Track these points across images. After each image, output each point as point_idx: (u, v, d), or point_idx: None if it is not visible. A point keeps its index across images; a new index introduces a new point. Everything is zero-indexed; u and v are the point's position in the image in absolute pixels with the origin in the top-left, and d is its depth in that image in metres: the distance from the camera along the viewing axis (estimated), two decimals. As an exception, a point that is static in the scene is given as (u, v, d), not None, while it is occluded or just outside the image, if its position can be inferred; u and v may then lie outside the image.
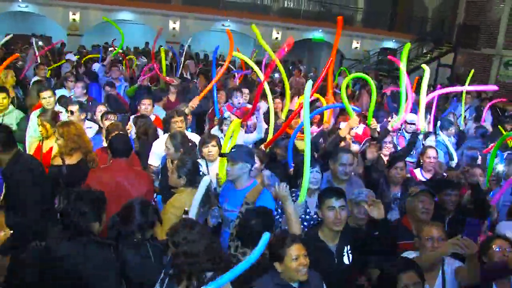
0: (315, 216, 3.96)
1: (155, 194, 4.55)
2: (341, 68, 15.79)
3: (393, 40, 23.11)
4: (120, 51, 15.34)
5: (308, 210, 4.03)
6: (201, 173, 4.06)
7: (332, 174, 4.49)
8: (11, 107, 5.94)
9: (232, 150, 3.99)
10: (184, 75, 11.75)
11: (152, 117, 6.33)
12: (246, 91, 7.47)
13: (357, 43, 23.41)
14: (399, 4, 25.21)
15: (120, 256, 3.06)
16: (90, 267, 2.85)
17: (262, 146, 5.50)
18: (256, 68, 6.57)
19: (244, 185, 3.86)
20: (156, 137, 5.68)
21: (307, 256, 2.90)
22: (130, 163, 4.35)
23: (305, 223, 4.00)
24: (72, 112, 5.45)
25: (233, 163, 3.80)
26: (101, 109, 6.02)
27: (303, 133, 5.85)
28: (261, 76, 6.36)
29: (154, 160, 5.16)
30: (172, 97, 7.94)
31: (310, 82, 3.86)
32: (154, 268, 3.06)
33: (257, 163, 4.41)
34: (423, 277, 2.89)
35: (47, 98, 5.73)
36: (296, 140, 5.21)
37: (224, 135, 5.40)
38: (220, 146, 4.88)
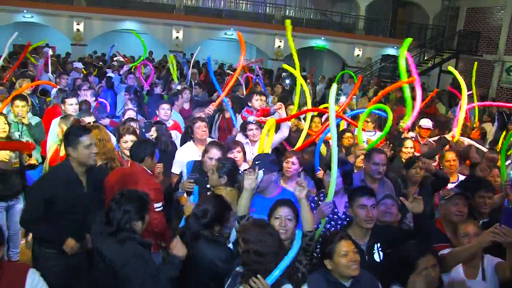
0: (343, 216, 4.05)
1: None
2: (344, 71, 15.90)
3: (395, 47, 23.26)
4: (125, 59, 15.60)
5: (336, 209, 4.07)
6: (240, 172, 4.13)
7: (365, 173, 4.60)
8: (29, 114, 6.05)
9: (256, 161, 4.03)
10: (193, 84, 11.82)
11: (171, 122, 6.46)
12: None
13: (359, 50, 23.53)
14: (400, 11, 25.43)
15: (200, 252, 3.17)
16: (123, 264, 2.95)
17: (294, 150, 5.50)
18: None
19: (273, 194, 3.96)
20: (172, 144, 5.78)
21: (357, 252, 2.95)
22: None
23: (332, 223, 4.06)
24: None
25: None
26: (130, 113, 6.14)
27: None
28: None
29: (177, 168, 5.17)
30: (186, 105, 8.09)
31: (334, 86, 3.91)
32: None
33: (296, 165, 4.60)
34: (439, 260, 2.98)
35: (73, 105, 5.88)
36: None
37: (249, 140, 5.60)
38: (244, 152, 4.95)
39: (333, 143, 3.71)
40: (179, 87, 9.20)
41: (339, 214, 4.08)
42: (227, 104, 6.88)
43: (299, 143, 5.78)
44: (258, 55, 24.68)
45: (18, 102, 5.73)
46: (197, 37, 21.91)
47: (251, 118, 5.92)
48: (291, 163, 4.63)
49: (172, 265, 3.10)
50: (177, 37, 21.53)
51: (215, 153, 4.47)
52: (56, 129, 5.52)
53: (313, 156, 5.22)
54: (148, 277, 2.98)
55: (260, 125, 5.71)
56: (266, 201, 3.80)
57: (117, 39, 22.46)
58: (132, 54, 19.63)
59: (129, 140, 4.78)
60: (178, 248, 3.13)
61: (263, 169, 3.83)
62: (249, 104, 6.84)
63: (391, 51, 23.54)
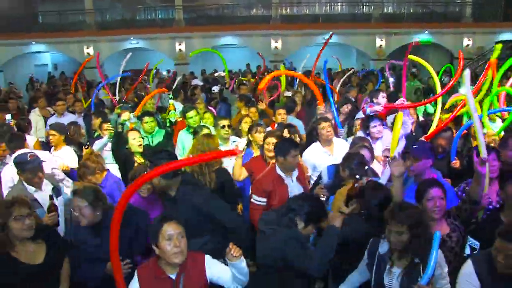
0: (498, 206, 3.85)
1: None
2: (448, 65, 14.63)
3: (511, 31, 21.29)
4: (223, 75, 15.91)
5: (490, 199, 3.94)
6: (366, 167, 4.09)
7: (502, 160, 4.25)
8: (157, 128, 6.33)
9: (414, 146, 4.09)
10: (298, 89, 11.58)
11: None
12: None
13: (469, 40, 21.85)
14: (514, -9, 23.24)
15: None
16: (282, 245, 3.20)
17: (423, 138, 5.47)
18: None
19: None
20: None
21: None
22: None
23: (488, 213, 3.91)
24: (223, 126, 5.64)
25: (416, 159, 3.91)
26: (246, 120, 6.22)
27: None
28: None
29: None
30: (298, 108, 8.17)
31: (467, 72, 3.65)
32: None
33: None
34: None
35: (193, 117, 6.09)
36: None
37: (371, 137, 5.46)
38: (372, 149, 4.85)
39: (478, 131, 3.57)
40: (289, 94, 9.23)
41: (493, 203, 3.92)
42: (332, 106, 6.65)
43: (430, 130, 5.70)
44: (358, 57, 23.95)
45: (146, 118, 6.12)
46: (295, 45, 21.70)
47: (368, 110, 5.99)
48: None
49: (329, 235, 3.25)
50: (276, 47, 21.50)
51: (366, 154, 4.46)
52: (183, 140, 6.03)
53: (450, 142, 5.13)
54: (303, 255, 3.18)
55: (383, 121, 5.68)
56: None
57: (216, 55, 23.03)
58: (230, 68, 19.90)
59: (270, 142, 4.88)
60: (336, 218, 3.32)
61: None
62: (374, 100, 6.67)
63: (506, 36, 21.57)
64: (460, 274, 2.96)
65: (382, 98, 6.65)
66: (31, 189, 4.15)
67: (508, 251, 2.68)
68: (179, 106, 9.43)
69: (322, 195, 4.21)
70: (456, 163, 4.93)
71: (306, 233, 3.28)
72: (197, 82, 13.97)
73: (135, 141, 5.23)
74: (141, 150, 5.27)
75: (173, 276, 2.81)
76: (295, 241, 3.16)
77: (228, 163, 5.09)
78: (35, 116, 8.39)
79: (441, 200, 3.34)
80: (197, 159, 3.26)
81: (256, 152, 5.40)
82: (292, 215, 3.22)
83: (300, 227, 3.22)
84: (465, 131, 5.61)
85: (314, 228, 3.31)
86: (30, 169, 4.10)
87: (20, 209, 3.12)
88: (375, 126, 5.42)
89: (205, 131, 5.32)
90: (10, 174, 4.61)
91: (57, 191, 4.31)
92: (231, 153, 2.51)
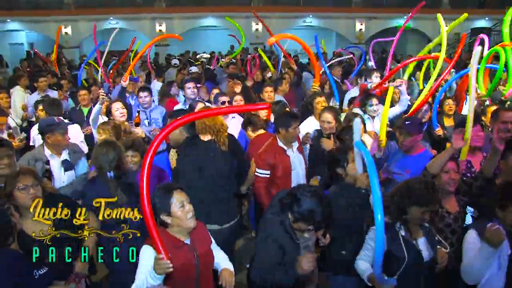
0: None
1: None
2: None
3: (486, 18, 21.75)
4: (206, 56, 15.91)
5: (473, 168, 4.12)
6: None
7: (494, 132, 4.34)
8: (153, 104, 6.47)
9: (407, 122, 4.33)
10: (283, 72, 11.67)
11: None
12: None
13: (446, 26, 22.16)
14: (490, -22, 23.69)
15: None
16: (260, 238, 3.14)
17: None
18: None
19: (416, 152, 4.30)
20: None
21: None
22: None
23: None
24: (223, 102, 5.84)
25: (409, 134, 4.20)
26: (237, 98, 6.27)
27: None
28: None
29: None
30: (285, 87, 8.14)
31: (479, 49, 4.19)
32: None
33: None
34: None
35: (191, 88, 6.34)
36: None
37: (370, 116, 5.70)
38: (364, 124, 5.06)
39: (470, 102, 3.98)
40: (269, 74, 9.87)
41: (476, 173, 3.98)
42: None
43: (413, 107, 5.86)
44: (338, 41, 24.13)
45: (142, 93, 6.25)
46: (276, 27, 21.69)
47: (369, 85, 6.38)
48: None
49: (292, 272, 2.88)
50: (256, 29, 21.48)
51: (327, 116, 4.89)
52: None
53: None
54: (276, 264, 2.94)
55: (380, 99, 5.82)
56: (408, 158, 4.25)
57: (197, 36, 22.90)
58: (213, 50, 19.85)
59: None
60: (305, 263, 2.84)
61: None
62: (369, 80, 6.86)
63: (481, 23, 22.03)
64: (466, 243, 3.01)
65: (375, 78, 6.85)
66: (48, 153, 4.27)
67: None
68: (158, 85, 9.52)
69: (307, 141, 4.89)
70: (439, 130, 5.61)
71: (297, 228, 2.95)
72: (175, 61, 13.98)
73: (117, 113, 5.38)
74: (123, 119, 5.35)
75: (187, 242, 2.87)
76: (275, 245, 2.94)
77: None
78: (20, 93, 8.38)
79: (456, 173, 3.49)
80: (228, 110, 3.14)
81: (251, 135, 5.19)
82: (287, 204, 2.95)
83: (291, 219, 2.95)
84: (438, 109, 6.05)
85: (306, 228, 2.91)
86: (59, 131, 4.26)
87: (25, 179, 3.09)
88: (372, 105, 5.67)
89: (200, 105, 5.33)
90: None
91: (68, 164, 4.35)
92: (264, 107, 2.72)
